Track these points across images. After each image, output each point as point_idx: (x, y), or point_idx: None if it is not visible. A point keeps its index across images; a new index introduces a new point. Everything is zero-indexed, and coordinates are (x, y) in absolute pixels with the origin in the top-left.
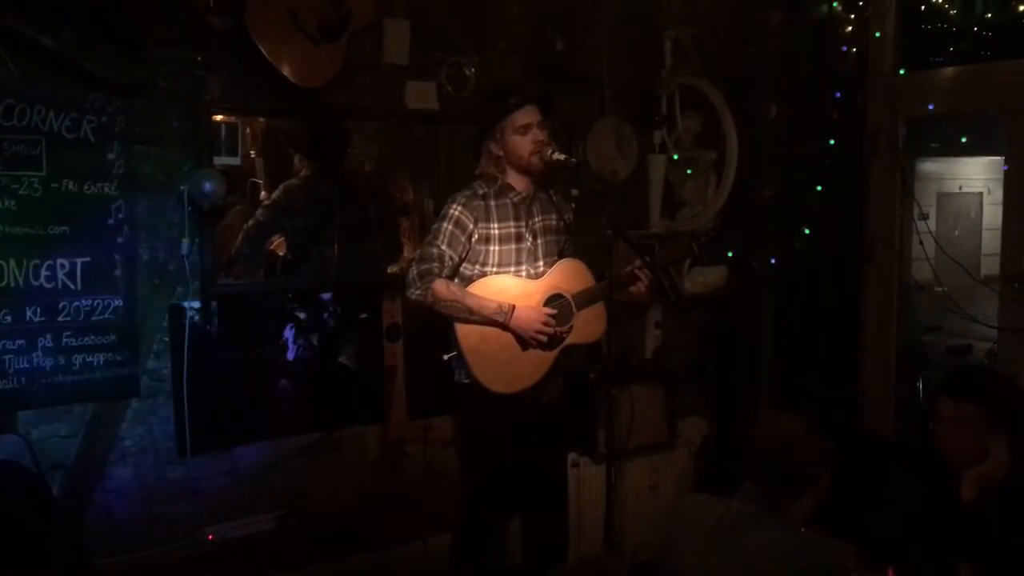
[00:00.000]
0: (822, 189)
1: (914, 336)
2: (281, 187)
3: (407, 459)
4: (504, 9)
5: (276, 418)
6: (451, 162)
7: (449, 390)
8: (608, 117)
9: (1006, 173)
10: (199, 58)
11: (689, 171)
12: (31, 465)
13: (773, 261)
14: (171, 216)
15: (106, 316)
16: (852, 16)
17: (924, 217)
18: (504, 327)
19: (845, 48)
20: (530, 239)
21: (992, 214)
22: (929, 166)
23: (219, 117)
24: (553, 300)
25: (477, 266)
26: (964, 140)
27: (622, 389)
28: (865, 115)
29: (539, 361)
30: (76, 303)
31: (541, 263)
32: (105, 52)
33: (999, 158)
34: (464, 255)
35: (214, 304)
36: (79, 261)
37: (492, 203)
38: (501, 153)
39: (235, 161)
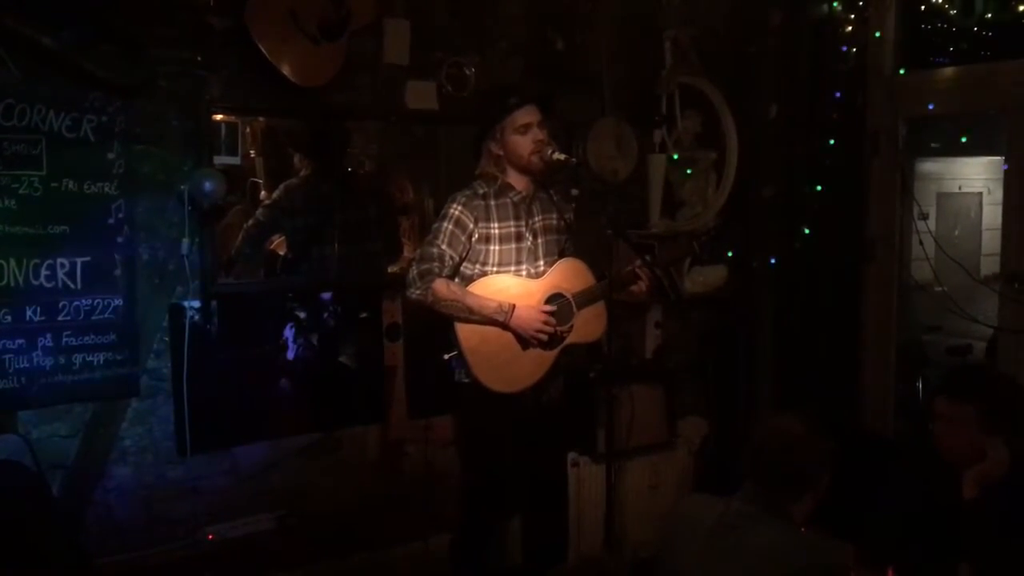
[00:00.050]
0: (822, 189)
1: (914, 336)
2: (281, 187)
3: (407, 459)
4: (504, 9)
5: (276, 418)
6: (451, 162)
7: (449, 390)
8: (608, 117)
9: (1006, 173)
10: (199, 58)
11: (689, 171)
12: (31, 465)
13: (773, 261)
14: (171, 216)
15: (106, 316)
16: (852, 16)
17: (924, 217)
18: (504, 326)
19: (845, 48)
20: (530, 238)
21: (992, 214)
22: (929, 166)
23: (219, 117)
24: (553, 299)
25: (477, 265)
26: (964, 140)
27: (622, 389)
28: (865, 115)
29: (539, 361)
30: (76, 303)
31: (541, 262)
32: (105, 52)
33: (999, 158)
34: (464, 255)
35: (214, 304)
36: (79, 261)
37: (492, 202)
38: (501, 153)
39: (235, 161)
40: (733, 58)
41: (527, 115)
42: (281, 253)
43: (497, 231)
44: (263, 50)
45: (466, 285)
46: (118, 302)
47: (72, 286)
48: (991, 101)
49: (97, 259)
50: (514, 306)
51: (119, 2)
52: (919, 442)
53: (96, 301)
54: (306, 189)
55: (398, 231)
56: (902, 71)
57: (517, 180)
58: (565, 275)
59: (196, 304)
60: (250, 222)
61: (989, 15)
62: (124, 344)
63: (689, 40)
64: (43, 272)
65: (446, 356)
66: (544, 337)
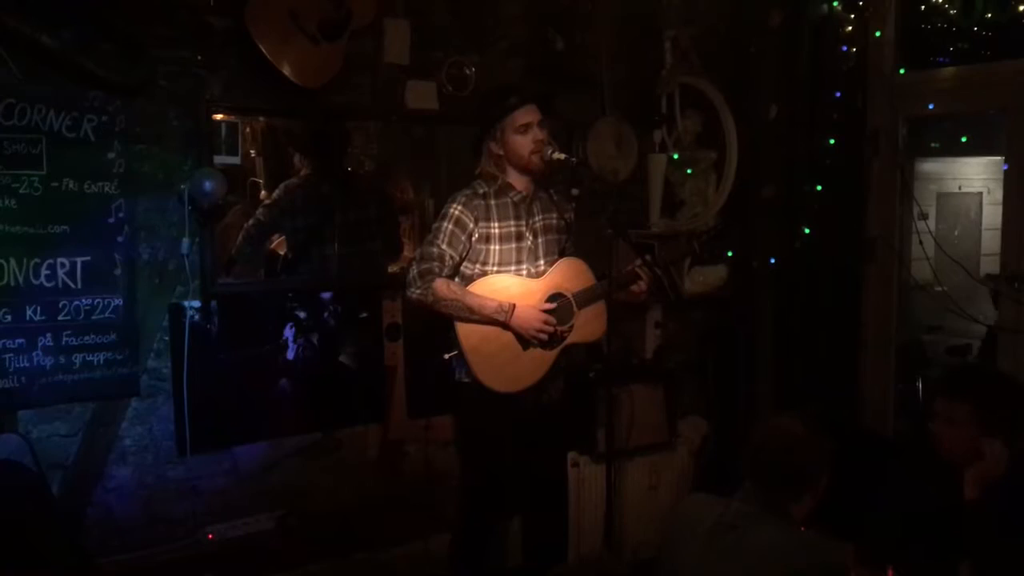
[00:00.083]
0: (822, 189)
1: (914, 336)
2: (281, 186)
3: (407, 459)
4: (504, 9)
5: (276, 417)
6: (451, 161)
7: (449, 389)
8: (608, 117)
9: (1006, 173)
10: (199, 57)
11: (689, 171)
12: (31, 464)
13: (773, 261)
14: (171, 215)
15: (106, 315)
16: (852, 16)
17: (924, 217)
18: (505, 326)
19: (845, 48)
20: (530, 238)
21: (992, 214)
22: (929, 166)
23: (219, 116)
24: (554, 299)
25: (478, 265)
26: (964, 140)
27: (622, 389)
28: (865, 115)
29: (540, 360)
30: (76, 302)
31: (542, 262)
32: (105, 51)
33: (999, 158)
34: (464, 254)
35: (214, 303)
36: (79, 260)
37: (492, 202)
38: (501, 152)
39: (235, 160)
40: (733, 58)
41: (527, 115)
42: (281, 253)
43: (497, 231)
44: (263, 50)
45: (466, 285)
46: (118, 302)
47: (72, 286)
48: (991, 101)
49: (97, 259)
50: (514, 306)
51: (119, 2)
52: (919, 442)
53: (96, 301)
54: (306, 189)
55: (398, 231)
56: (902, 71)
57: (517, 180)
58: (565, 275)
59: (196, 304)
60: (250, 222)
61: (989, 15)
62: (124, 344)
63: (689, 40)
64: (43, 272)
65: (446, 356)
66: (544, 337)
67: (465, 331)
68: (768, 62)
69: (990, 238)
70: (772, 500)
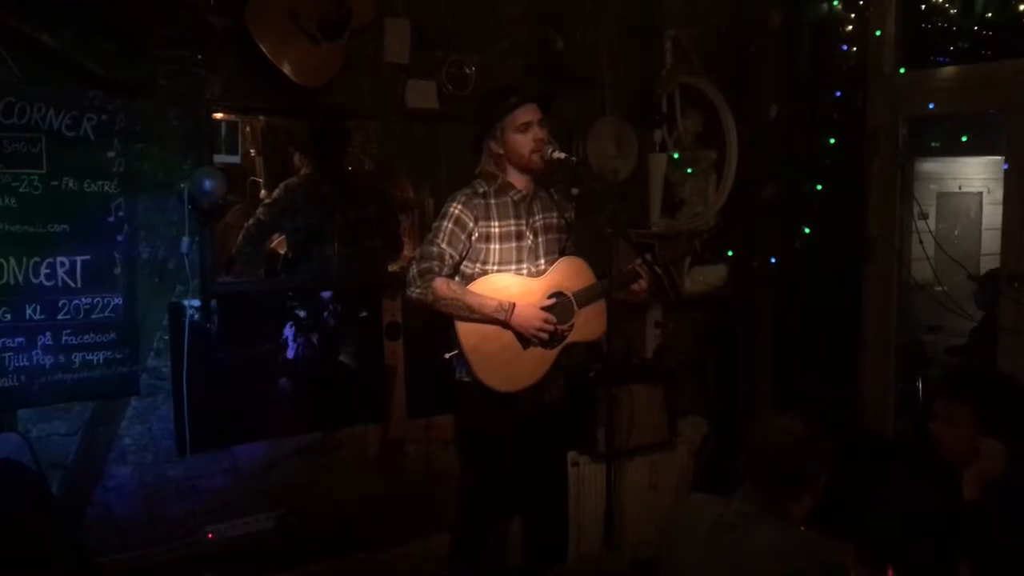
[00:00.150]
0: (822, 189)
1: (914, 336)
2: (282, 185)
3: (407, 458)
4: (504, 9)
5: (276, 417)
6: (451, 161)
7: (449, 389)
8: (608, 116)
9: (1006, 173)
10: (199, 57)
11: (689, 170)
12: (31, 463)
13: (773, 261)
14: (171, 214)
15: (106, 314)
16: (852, 15)
17: (924, 217)
18: (505, 325)
19: (845, 47)
20: (531, 237)
21: (992, 214)
22: (929, 166)
23: (219, 115)
24: (554, 298)
25: (478, 264)
26: (964, 140)
27: (622, 388)
28: (865, 114)
29: (540, 359)
30: (76, 301)
31: (542, 261)
32: (105, 50)
33: (999, 158)
34: (464, 253)
35: (214, 302)
36: (79, 259)
37: (492, 201)
38: (501, 151)
39: (235, 159)
40: (733, 58)
41: (527, 114)
42: (281, 252)
43: (497, 230)
44: (263, 49)
45: (466, 284)
46: (118, 301)
47: (72, 285)
48: (991, 101)
49: (97, 258)
50: (514, 304)
51: (119, 1)
52: (919, 442)
53: (96, 300)
54: (306, 188)
55: (398, 230)
56: (902, 70)
57: (517, 179)
58: (566, 274)
59: (196, 303)
60: (250, 221)
61: (989, 14)
62: (124, 343)
63: (689, 40)
64: (43, 270)
65: (447, 355)
66: (544, 336)
67: (465, 330)
68: (768, 62)
69: (990, 238)
70: (772, 500)
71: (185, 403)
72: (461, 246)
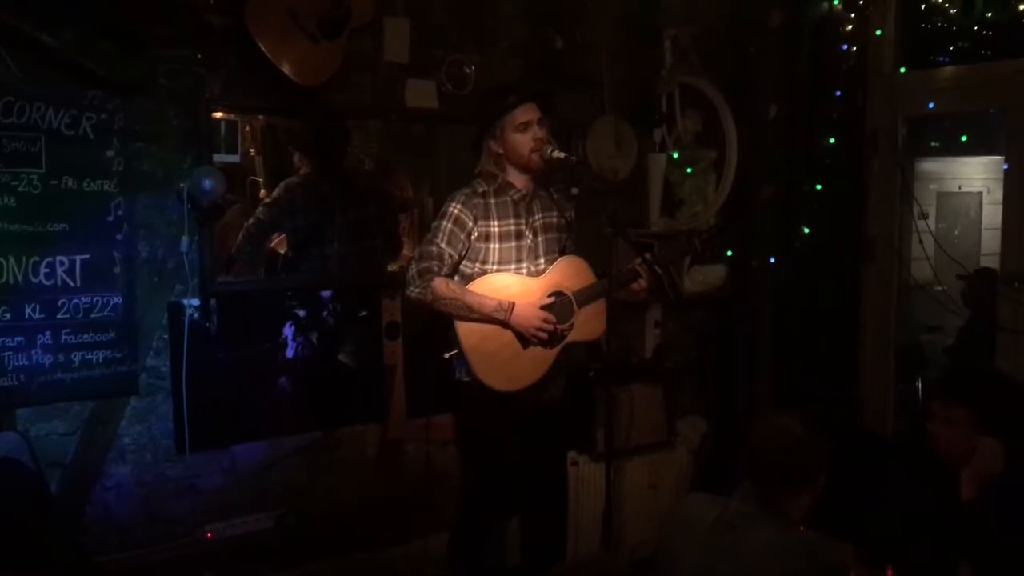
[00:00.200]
0: (822, 188)
1: (914, 336)
2: (281, 185)
3: (406, 458)
4: (504, 8)
5: (275, 416)
6: (451, 160)
7: (449, 388)
8: (608, 116)
9: (1006, 173)
10: (199, 56)
11: (689, 170)
12: (30, 462)
13: (773, 261)
14: (170, 214)
15: (105, 313)
16: (852, 15)
17: (924, 216)
18: (504, 325)
19: (845, 47)
20: (530, 237)
21: (992, 214)
22: (929, 166)
23: (219, 115)
24: (554, 298)
25: (477, 264)
26: (964, 140)
27: (622, 388)
28: (865, 114)
29: (540, 359)
30: (75, 300)
31: (542, 260)
32: (105, 50)
33: (999, 158)
34: (464, 253)
35: (213, 302)
36: (78, 258)
37: (492, 201)
38: (501, 151)
39: (235, 159)
40: (733, 58)
41: (527, 113)
42: (281, 251)
43: (497, 229)
44: (263, 48)
45: (466, 283)
46: (117, 300)
47: (71, 284)
48: (991, 101)
49: (96, 257)
50: (514, 304)
51: (119, 1)
52: (919, 442)
53: (95, 299)
54: (306, 187)
55: (398, 229)
56: (902, 70)
57: (517, 178)
58: (565, 273)
59: (195, 302)
60: (250, 220)
61: (989, 14)
62: (123, 342)
63: (689, 40)
64: (42, 270)
65: (446, 355)
66: (544, 335)
67: (465, 330)
68: (768, 62)
69: (990, 238)
70: (771, 500)
71: (184, 402)
72: (460, 246)
